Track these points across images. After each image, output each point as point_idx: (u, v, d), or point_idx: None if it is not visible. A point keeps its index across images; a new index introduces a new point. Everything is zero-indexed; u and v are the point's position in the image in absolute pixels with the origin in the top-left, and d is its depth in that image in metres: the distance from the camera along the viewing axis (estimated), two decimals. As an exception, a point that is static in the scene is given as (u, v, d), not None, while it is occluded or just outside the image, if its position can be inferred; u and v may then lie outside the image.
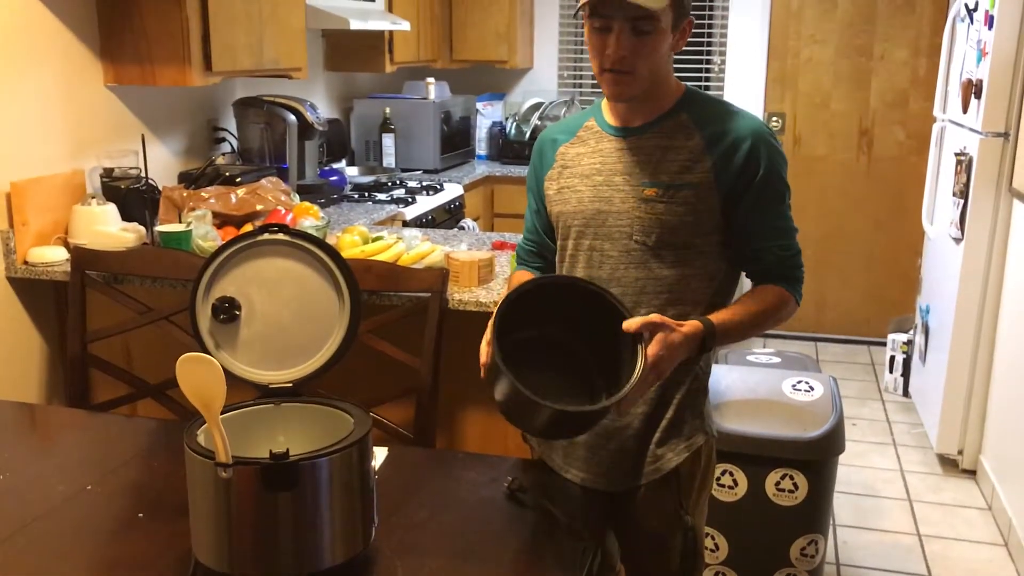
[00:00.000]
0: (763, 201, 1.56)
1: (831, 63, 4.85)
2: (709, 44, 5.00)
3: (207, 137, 3.30)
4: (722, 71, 5.00)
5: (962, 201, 3.45)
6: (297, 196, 2.92)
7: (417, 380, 2.08)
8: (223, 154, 3.31)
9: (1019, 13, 3.19)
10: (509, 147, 4.91)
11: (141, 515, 1.45)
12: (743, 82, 4.93)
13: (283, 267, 1.46)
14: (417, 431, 2.09)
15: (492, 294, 2.26)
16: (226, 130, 3.37)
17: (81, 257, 2.30)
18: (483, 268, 2.31)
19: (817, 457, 2.50)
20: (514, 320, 1.42)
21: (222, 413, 1.19)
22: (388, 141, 4.34)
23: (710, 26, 4.97)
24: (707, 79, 5.03)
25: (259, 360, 1.45)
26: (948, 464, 3.60)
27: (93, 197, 2.54)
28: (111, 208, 2.54)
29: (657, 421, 1.63)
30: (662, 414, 1.62)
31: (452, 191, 4.07)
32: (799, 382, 2.67)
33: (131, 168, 2.72)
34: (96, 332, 2.26)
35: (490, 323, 1.42)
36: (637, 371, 1.37)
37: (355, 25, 3.40)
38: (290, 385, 1.43)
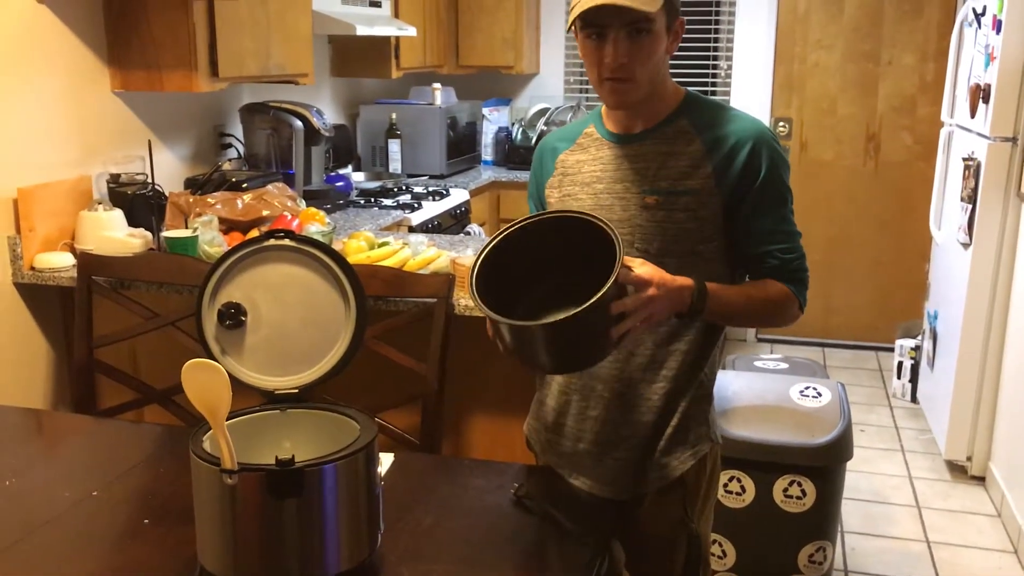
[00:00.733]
0: (765, 204, 1.55)
1: (838, 68, 4.84)
2: (716, 49, 4.99)
3: (214, 143, 3.31)
4: (728, 76, 5.00)
5: (970, 206, 3.44)
6: (303, 202, 2.92)
7: (423, 386, 2.08)
8: (229, 160, 3.32)
9: (1027, 17, 3.18)
10: (515, 152, 4.91)
11: (147, 521, 1.45)
12: (750, 87, 4.92)
13: (289, 273, 1.46)
14: (423, 437, 2.09)
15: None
16: (232, 136, 3.37)
17: (88, 263, 2.30)
18: (489, 273, 2.30)
19: (825, 463, 2.49)
20: (514, 269, 1.41)
21: (228, 419, 1.18)
22: (394, 147, 4.34)
23: (716, 31, 4.96)
24: (713, 84, 5.02)
25: (265, 366, 1.44)
26: (957, 470, 3.58)
27: (100, 203, 2.55)
28: (118, 214, 2.55)
29: (663, 429, 1.62)
30: (668, 422, 1.62)
31: (458, 196, 4.07)
32: (807, 388, 2.67)
33: (138, 174, 2.72)
34: (102, 338, 2.26)
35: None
36: (618, 262, 1.31)
37: (362, 31, 3.40)
38: (296, 391, 1.43)
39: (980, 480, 3.51)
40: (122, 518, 1.48)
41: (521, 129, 5.00)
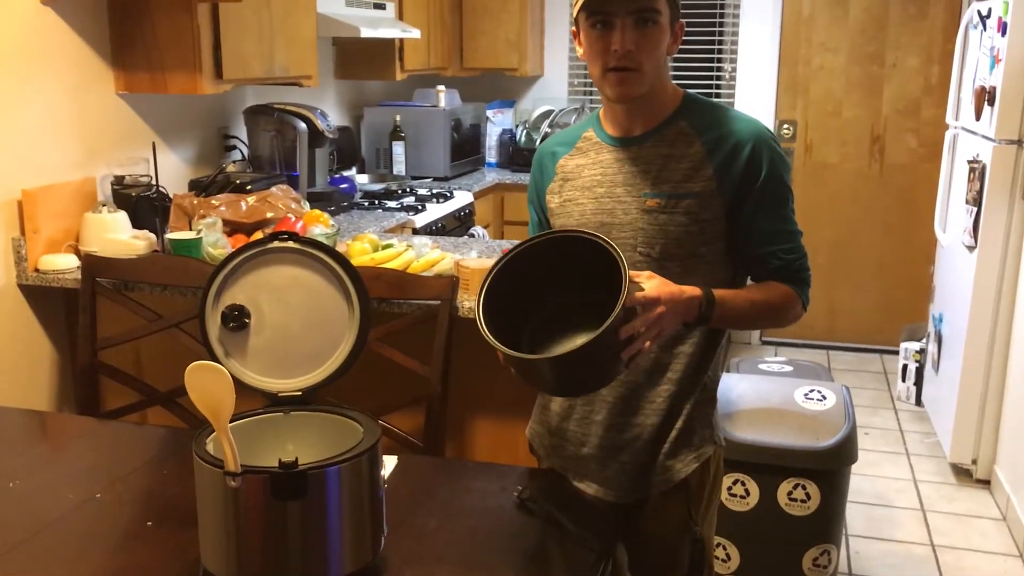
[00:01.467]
0: (766, 205, 1.54)
1: (843, 70, 4.83)
2: (720, 51, 4.99)
3: (218, 145, 3.31)
4: (733, 78, 4.99)
5: (975, 209, 3.43)
6: (307, 204, 2.92)
7: (427, 388, 2.08)
8: (233, 162, 3.32)
9: (1032, 20, 3.17)
10: (519, 155, 4.91)
11: (150, 523, 1.45)
12: (754, 89, 4.91)
13: (293, 275, 1.46)
14: (426, 439, 2.08)
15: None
16: (237, 138, 3.38)
17: (92, 264, 2.30)
18: (493, 276, 2.30)
19: (829, 466, 2.48)
20: (519, 291, 1.40)
21: (231, 421, 1.18)
22: (398, 149, 4.35)
23: (721, 33, 4.96)
24: (718, 86, 5.02)
25: (268, 368, 1.44)
26: (962, 474, 3.57)
27: (104, 205, 2.55)
28: (122, 216, 2.55)
29: (667, 432, 1.61)
30: (672, 425, 1.61)
31: (462, 199, 4.07)
32: (811, 391, 2.66)
33: (142, 176, 2.72)
34: (106, 339, 2.26)
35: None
36: (624, 287, 1.29)
37: (366, 33, 3.40)
38: (299, 393, 1.43)
39: (985, 483, 3.50)
40: (125, 520, 1.48)
41: (525, 131, 5.00)
